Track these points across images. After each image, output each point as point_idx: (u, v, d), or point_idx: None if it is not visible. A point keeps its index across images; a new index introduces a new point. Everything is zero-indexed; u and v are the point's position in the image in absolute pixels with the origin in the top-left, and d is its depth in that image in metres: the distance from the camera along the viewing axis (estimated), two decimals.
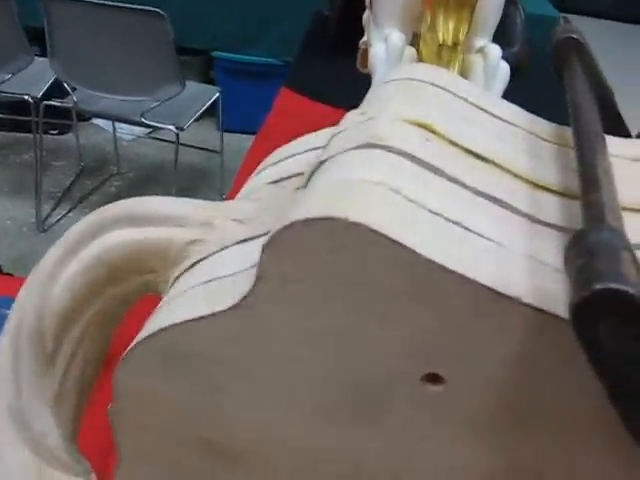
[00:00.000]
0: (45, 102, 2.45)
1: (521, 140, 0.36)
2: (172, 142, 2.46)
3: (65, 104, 2.43)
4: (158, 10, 2.07)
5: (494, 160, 0.33)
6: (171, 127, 2.25)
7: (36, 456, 0.39)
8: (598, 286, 0.20)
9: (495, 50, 0.80)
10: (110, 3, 2.12)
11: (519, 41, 1.29)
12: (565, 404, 0.27)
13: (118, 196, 2.70)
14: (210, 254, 0.35)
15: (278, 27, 2.80)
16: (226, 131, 2.69)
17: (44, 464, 0.39)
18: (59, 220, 2.61)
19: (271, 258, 0.27)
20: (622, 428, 0.24)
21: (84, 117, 2.97)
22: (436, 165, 0.30)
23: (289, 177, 0.39)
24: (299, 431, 0.31)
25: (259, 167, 0.44)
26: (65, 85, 2.38)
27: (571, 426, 0.28)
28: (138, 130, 2.99)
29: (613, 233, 0.23)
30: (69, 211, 2.66)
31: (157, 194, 0.40)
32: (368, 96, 0.39)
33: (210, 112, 2.54)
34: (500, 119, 0.37)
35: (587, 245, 0.23)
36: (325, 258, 0.26)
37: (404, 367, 0.28)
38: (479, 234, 0.27)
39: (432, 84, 0.37)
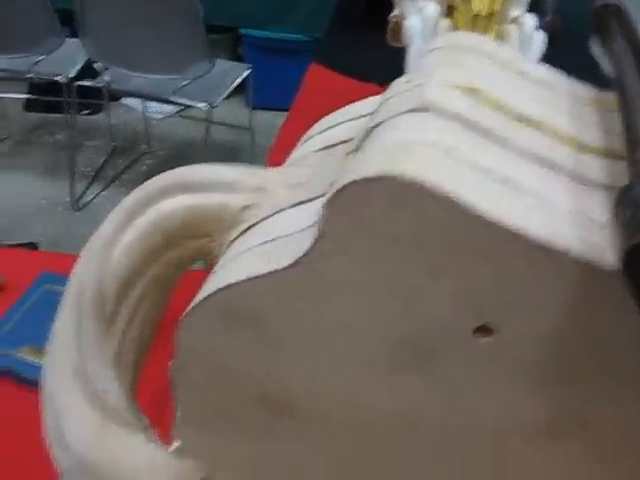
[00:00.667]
0: (77, 83, 2.47)
1: (564, 104, 0.37)
2: (202, 120, 2.48)
3: (97, 84, 2.46)
4: None
5: (539, 122, 0.34)
6: (202, 105, 2.26)
7: (99, 413, 0.41)
8: None
9: (530, 20, 0.81)
10: None
11: (551, 10, 1.28)
12: (613, 354, 0.29)
13: (149, 174, 2.70)
14: (264, 218, 0.37)
15: (306, 3, 2.80)
16: (255, 108, 2.70)
17: (107, 421, 0.41)
18: (93, 199, 2.65)
19: (332, 216, 0.28)
20: None
21: (114, 97, 3.01)
22: (484, 127, 0.32)
23: (337, 144, 0.40)
24: (356, 385, 0.33)
25: (304, 137, 0.45)
26: (96, 65, 2.40)
27: (618, 376, 0.29)
28: (168, 109, 3.01)
29: None
30: (102, 190, 2.69)
31: None
32: (412, 66, 0.40)
33: (239, 90, 2.55)
34: (542, 84, 0.38)
35: (635, 198, 0.24)
36: (384, 215, 0.27)
37: (458, 319, 0.29)
38: (528, 191, 0.29)
39: (474, 51, 0.38)
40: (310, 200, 0.36)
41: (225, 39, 3.09)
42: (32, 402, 0.88)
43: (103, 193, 2.68)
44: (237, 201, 0.39)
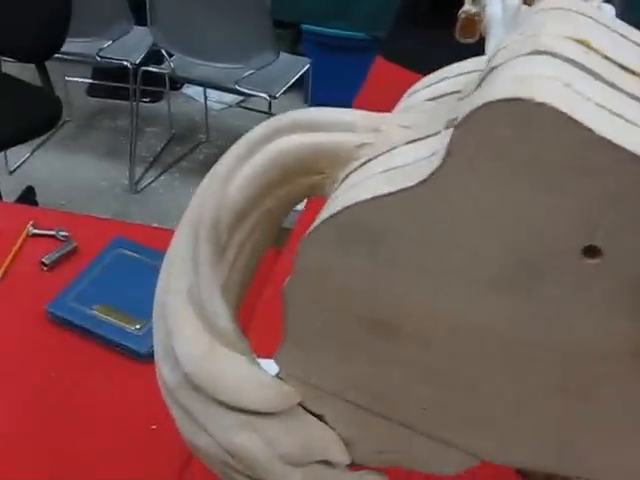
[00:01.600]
0: (143, 68, 2.54)
1: None
2: (262, 112, 2.53)
3: (162, 70, 2.52)
4: None
5: None
6: (264, 95, 2.31)
7: (208, 333, 0.45)
8: None
9: (608, 7, 0.83)
10: None
11: None
12: None
13: (206, 163, 2.79)
14: (380, 154, 0.40)
15: (368, 1, 2.83)
16: (313, 104, 2.74)
17: (215, 341, 0.45)
18: (150, 183, 2.72)
19: (463, 136, 0.31)
20: None
21: (175, 87, 3.07)
22: (595, 71, 0.34)
23: (447, 94, 0.43)
24: (463, 303, 0.36)
25: (409, 91, 0.48)
26: (163, 51, 2.46)
27: None
28: (228, 100, 3.07)
29: None
30: (160, 175, 2.76)
31: None
32: (520, 25, 0.43)
33: (298, 86, 2.59)
34: (634, 41, 0.40)
35: None
36: (513, 135, 0.30)
37: (569, 237, 0.32)
38: (638, 126, 0.31)
39: (578, 12, 0.41)
40: (423, 138, 0.39)
41: (286, 34, 3.14)
42: (104, 358, 0.93)
43: (160, 178, 2.75)
44: (352, 140, 0.42)
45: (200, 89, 2.97)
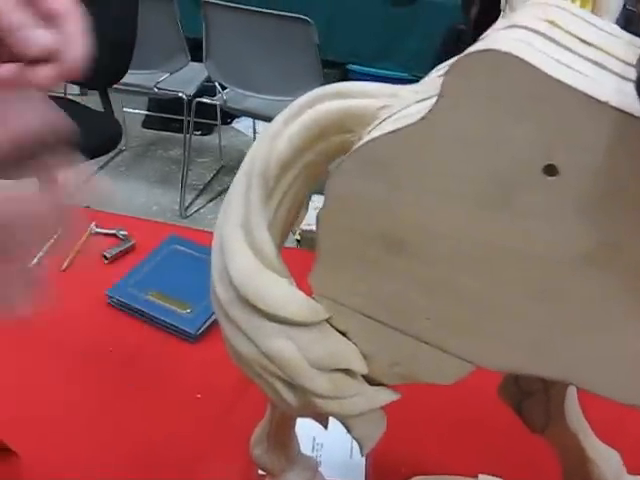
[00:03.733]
0: (197, 99, 2.70)
1: (621, 44, 0.49)
2: None
3: (214, 101, 2.68)
4: (306, 17, 2.28)
5: (602, 48, 0.47)
6: None
7: (256, 258, 0.55)
8: None
9: None
10: (262, 10, 2.35)
11: None
12: None
13: None
14: (395, 112, 0.51)
15: (410, 43, 2.97)
16: None
17: (261, 264, 0.55)
18: (199, 209, 2.87)
19: (451, 80, 0.42)
20: None
21: (226, 122, 3.23)
22: (557, 40, 0.45)
23: None
24: (455, 219, 0.46)
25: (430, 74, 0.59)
26: (216, 84, 2.62)
27: None
28: None
29: None
30: (208, 202, 2.91)
31: None
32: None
33: None
34: (606, 31, 0.50)
35: None
36: (485, 78, 0.41)
37: (532, 159, 0.42)
38: (585, 74, 0.42)
39: (556, 5, 0.51)
40: (428, 98, 0.49)
41: (333, 73, 3.30)
42: (157, 337, 1.03)
43: (209, 205, 2.89)
44: (375, 104, 0.53)
45: (249, 124, 3.13)
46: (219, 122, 3.02)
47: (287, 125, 0.55)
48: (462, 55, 0.41)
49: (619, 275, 0.45)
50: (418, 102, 0.50)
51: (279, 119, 0.56)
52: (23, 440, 0.84)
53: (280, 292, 0.55)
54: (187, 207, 2.85)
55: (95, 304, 1.12)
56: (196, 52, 2.66)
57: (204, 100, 2.73)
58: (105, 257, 1.22)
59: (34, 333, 1.04)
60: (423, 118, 0.44)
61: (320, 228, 0.52)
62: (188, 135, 2.85)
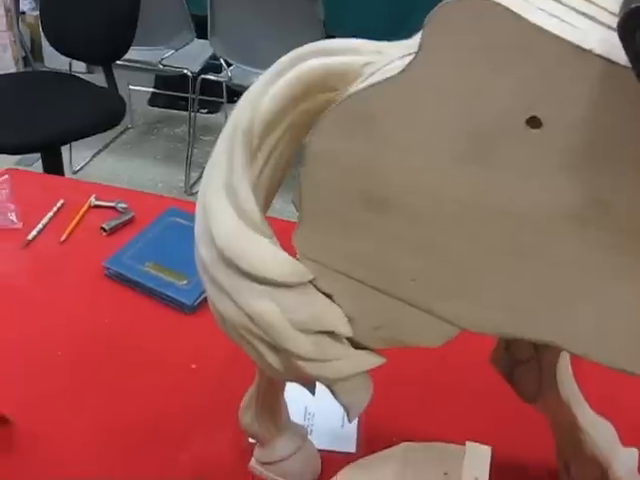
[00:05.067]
0: (202, 76, 2.69)
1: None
2: None
3: (220, 78, 2.67)
4: None
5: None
6: None
7: (239, 217, 0.54)
8: (633, 5, 0.33)
9: None
10: None
11: None
12: (632, 144, 0.40)
13: None
14: (380, 67, 0.49)
15: (417, 19, 2.92)
16: None
17: (244, 224, 0.54)
18: None
19: (431, 29, 0.41)
20: None
21: (232, 100, 3.21)
22: None
23: None
24: (437, 176, 0.45)
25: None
26: (221, 61, 2.60)
27: (636, 165, 0.40)
28: None
29: None
30: None
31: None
32: None
33: None
34: None
35: None
36: (468, 28, 0.40)
37: (514, 111, 0.41)
38: (570, 23, 0.40)
39: None
40: (412, 53, 0.48)
41: None
42: (153, 308, 1.03)
43: None
44: (359, 60, 0.51)
45: None
46: (225, 99, 3.00)
47: (272, 82, 0.54)
48: (441, 4, 0.40)
49: (606, 234, 0.43)
50: (402, 57, 0.48)
51: (263, 78, 0.55)
52: (18, 409, 0.84)
53: (263, 252, 0.54)
54: (192, 185, 2.83)
55: (92, 276, 1.11)
56: (201, 30, 2.64)
57: (209, 77, 2.72)
58: (103, 229, 1.22)
59: (31, 303, 1.04)
60: (402, 71, 0.43)
61: (302, 188, 0.51)
62: (193, 113, 2.84)
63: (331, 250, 0.53)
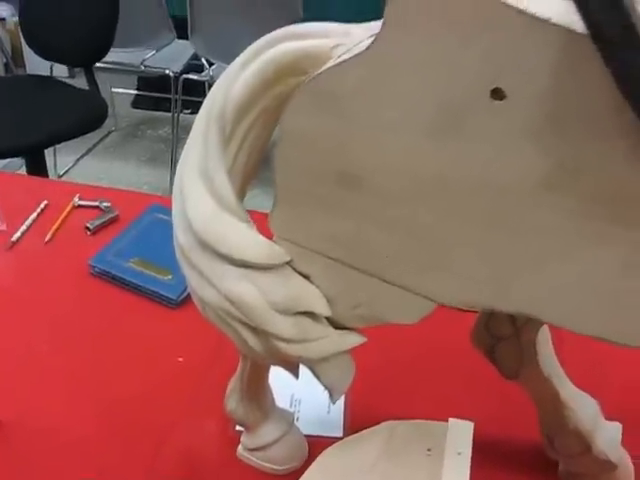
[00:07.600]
0: (184, 76, 2.69)
1: None
2: None
3: (201, 78, 2.67)
4: None
5: None
6: None
7: (215, 201, 0.55)
8: None
9: None
10: None
11: None
12: (597, 116, 0.41)
13: None
14: (350, 48, 0.50)
15: None
16: None
17: (220, 208, 0.55)
18: None
19: (394, 5, 0.42)
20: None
21: None
22: None
23: None
24: (409, 152, 0.46)
25: None
26: (203, 60, 2.61)
27: (603, 136, 0.41)
28: None
29: None
30: None
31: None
32: None
33: None
34: None
35: None
36: (431, 1, 0.40)
37: (479, 83, 0.42)
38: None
39: None
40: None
41: None
42: (139, 304, 1.03)
43: None
44: (329, 42, 0.52)
45: None
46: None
47: (244, 66, 0.55)
48: None
49: (577, 201, 0.44)
50: (370, 37, 0.49)
51: (236, 63, 0.56)
52: (4, 407, 0.84)
53: (239, 235, 0.55)
54: None
55: (78, 274, 1.12)
56: (181, 31, 2.64)
57: (191, 77, 2.72)
58: (88, 229, 1.22)
59: (18, 304, 1.04)
60: (368, 48, 0.44)
61: (276, 168, 0.52)
62: (176, 113, 2.83)
63: (306, 230, 0.54)
